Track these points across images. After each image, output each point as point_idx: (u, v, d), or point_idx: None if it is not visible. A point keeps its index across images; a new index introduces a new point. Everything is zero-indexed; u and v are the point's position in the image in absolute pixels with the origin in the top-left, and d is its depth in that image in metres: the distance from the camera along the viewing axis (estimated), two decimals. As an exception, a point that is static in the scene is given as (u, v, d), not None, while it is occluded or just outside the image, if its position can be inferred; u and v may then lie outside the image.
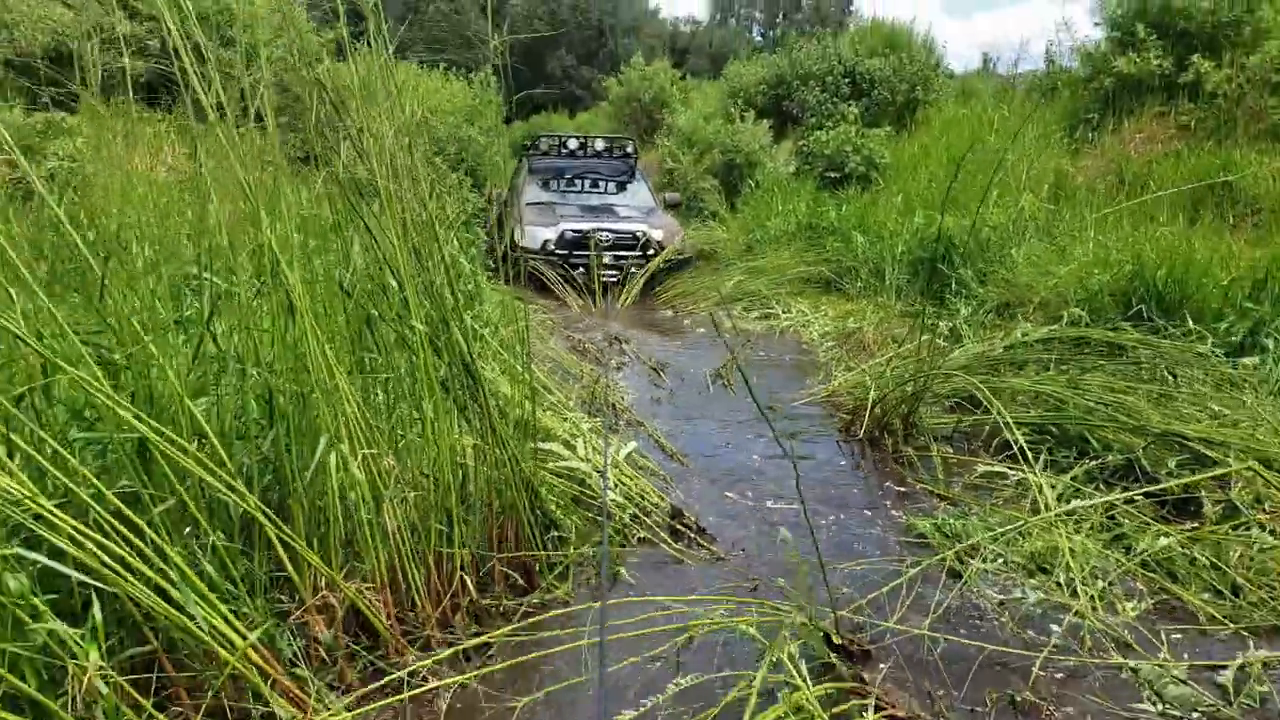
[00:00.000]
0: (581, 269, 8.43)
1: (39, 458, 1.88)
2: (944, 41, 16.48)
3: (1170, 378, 4.02)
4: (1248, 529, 2.97)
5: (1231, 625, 2.61)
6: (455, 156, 10.54)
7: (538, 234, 8.56)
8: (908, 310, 6.77)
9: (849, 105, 12.76)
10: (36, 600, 1.74)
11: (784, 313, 7.37)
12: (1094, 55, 9.09)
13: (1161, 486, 3.16)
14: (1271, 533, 2.94)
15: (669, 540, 3.16)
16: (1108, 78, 8.55)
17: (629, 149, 10.89)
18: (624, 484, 3.38)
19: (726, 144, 12.75)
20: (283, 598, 2.29)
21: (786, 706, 1.88)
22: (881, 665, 2.38)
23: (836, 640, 2.29)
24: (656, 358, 5.93)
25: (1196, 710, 2.25)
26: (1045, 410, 3.96)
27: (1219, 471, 3.17)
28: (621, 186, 10.43)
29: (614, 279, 8.56)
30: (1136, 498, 3.14)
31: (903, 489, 3.76)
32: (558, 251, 8.51)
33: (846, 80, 13.52)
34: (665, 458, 4.06)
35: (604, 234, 8.65)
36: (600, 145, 10.80)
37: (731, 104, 14.91)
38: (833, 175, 10.50)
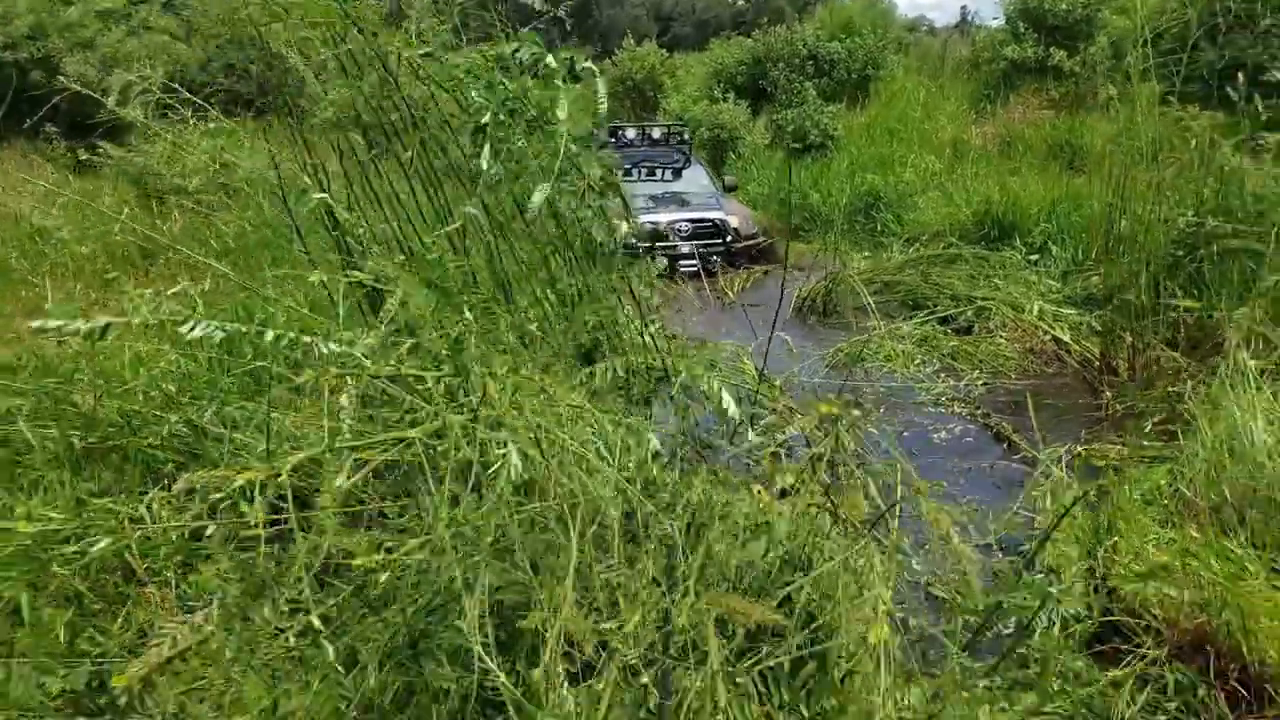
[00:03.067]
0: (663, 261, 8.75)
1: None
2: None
3: (988, 272, 6.68)
4: (994, 338, 5.66)
5: (972, 372, 5.29)
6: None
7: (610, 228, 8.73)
8: (849, 247, 9.40)
9: (810, 84, 15.21)
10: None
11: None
12: (993, 42, 11.66)
13: (951, 313, 5.88)
14: (1004, 340, 5.64)
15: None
16: (1002, 61, 11.12)
17: (685, 135, 10.71)
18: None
19: (711, 122, 15.20)
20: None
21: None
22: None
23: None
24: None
25: (944, 396, 4.93)
26: (907, 291, 6.62)
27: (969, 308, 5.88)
28: (678, 173, 10.07)
29: (693, 269, 8.33)
30: (946, 327, 5.83)
31: (821, 336, 6.42)
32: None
33: (810, 61, 15.97)
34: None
35: (682, 224, 8.56)
36: (657, 134, 10.52)
37: (715, 84, 17.34)
38: (797, 146, 13.01)
